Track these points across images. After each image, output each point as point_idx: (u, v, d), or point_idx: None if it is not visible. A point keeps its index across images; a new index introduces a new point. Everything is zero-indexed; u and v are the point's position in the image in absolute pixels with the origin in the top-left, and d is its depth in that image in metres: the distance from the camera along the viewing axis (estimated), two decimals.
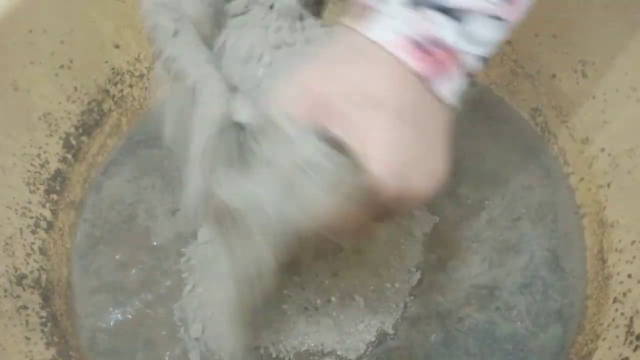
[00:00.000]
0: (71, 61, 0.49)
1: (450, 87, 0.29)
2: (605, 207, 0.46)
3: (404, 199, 0.29)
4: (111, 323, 0.45)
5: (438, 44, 0.27)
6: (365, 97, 0.27)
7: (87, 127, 0.52)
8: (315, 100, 0.28)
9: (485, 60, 0.29)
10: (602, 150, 0.46)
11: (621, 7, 0.43)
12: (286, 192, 0.27)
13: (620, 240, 0.43)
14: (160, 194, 0.51)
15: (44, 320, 0.43)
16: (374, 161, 0.27)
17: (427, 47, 0.27)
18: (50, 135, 0.49)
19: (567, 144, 0.50)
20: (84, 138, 0.51)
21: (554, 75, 0.50)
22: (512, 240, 0.47)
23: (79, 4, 0.49)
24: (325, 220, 0.28)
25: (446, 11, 0.27)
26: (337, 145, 0.27)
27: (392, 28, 0.27)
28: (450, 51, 0.28)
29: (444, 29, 0.27)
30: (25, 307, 0.43)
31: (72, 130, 0.50)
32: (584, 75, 0.48)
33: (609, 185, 0.46)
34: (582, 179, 0.49)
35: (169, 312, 0.45)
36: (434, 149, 0.29)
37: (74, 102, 0.50)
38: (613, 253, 0.44)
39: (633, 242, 0.42)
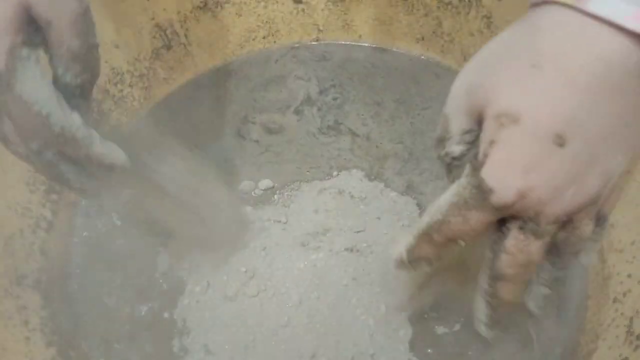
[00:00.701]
0: None
1: None
2: None
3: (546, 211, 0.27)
4: (111, 323, 0.45)
5: None
6: (508, 113, 0.25)
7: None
8: (477, 109, 0.27)
9: None
10: None
11: None
12: None
13: (620, 240, 0.43)
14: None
15: (43, 320, 0.43)
16: (496, 180, 0.27)
17: None
18: None
19: None
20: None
21: None
22: None
23: None
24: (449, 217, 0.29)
25: None
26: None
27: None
28: None
29: None
30: (25, 307, 0.43)
31: None
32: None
33: None
34: None
35: (170, 312, 0.45)
36: (582, 162, 0.26)
37: None
38: (613, 253, 0.43)
39: (633, 242, 0.42)
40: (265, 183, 0.51)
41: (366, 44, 0.60)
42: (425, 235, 0.31)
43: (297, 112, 0.56)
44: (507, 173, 0.26)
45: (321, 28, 0.60)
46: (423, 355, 0.42)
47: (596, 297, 0.44)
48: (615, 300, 0.41)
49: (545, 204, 0.26)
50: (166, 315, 0.45)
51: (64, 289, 0.47)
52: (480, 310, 0.34)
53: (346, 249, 0.46)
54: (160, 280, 0.46)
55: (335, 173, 0.51)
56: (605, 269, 0.44)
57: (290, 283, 0.45)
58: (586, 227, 0.28)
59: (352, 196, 0.49)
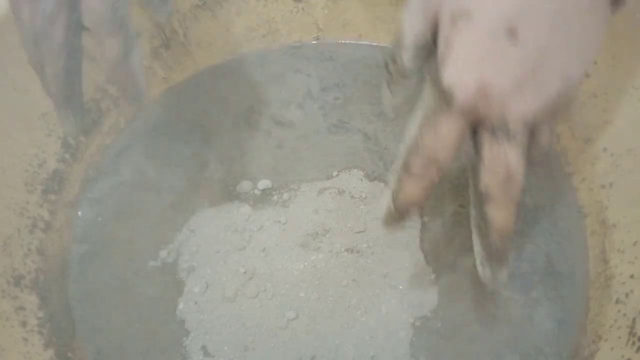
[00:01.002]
0: None
1: None
2: (607, 207, 0.45)
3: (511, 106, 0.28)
4: (110, 323, 0.45)
5: None
6: (460, 9, 0.26)
7: (86, 126, 0.51)
8: (432, 14, 0.28)
9: None
10: (604, 150, 0.46)
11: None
12: None
13: (622, 241, 0.43)
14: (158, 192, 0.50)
15: (41, 321, 0.43)
16: (454, 78, 0.27)
17: None
18: (49, 135, 0.49)
19: (569, 144, 0.50)
20: (82, 138, 0.51)
21: None
22: (513, 241, 0.47)
23: None
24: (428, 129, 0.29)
25: None
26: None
27: None
28: None
29: None
30: (22, 308, 0.42)
31: None
32: (586, 75, 0.47)
33: (610, 185, 0.45)
34: (583, 179, 0.48)
35: (168, 313, 0.45)
36: (536, 53, 0.27)
37: None
38: (615, 254, 0.43)
39: (635, 243, 0.41)
40: (264, 183, 0.50)
41: (366, 43, 0.59)
42: (406, 171, 0.31)
43: (299, 109, 0.55)
44: (464, 70, 0.27)
45: (321, 27, 0.60)
46: (424, 356, 0.42)
47: (598, 298, 0.43)
48: (617, 302, 0.41)
49: (508, 102, 0.27)
50: (164, 316, 0.45)
51: (61, 290, 0.46)
52: (476, 247, 0.33)
53: (346, 250, 0.46)
54: (159, 281, 0.46)
55: (335, 173, 0.51)
56: (607, 270, 0.44)
57: (289, 284, 0.44)
58: (547, 137, 0.30)
59: (352, 196, 0.49)
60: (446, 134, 0.28)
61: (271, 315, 0.43)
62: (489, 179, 0.30)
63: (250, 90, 0.57)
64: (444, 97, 0.27)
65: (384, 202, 0.33)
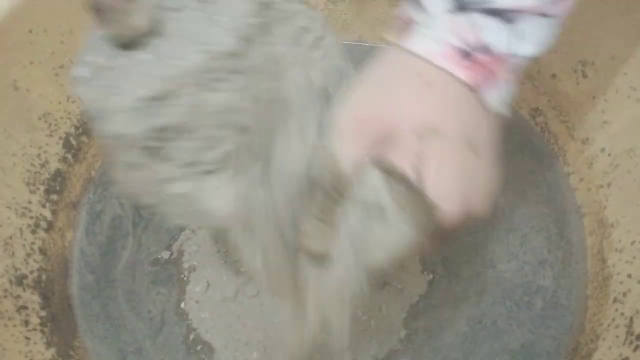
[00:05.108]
0: (71, 61, 0.49)
1: (499, 96, 0.27)
2: (605, 207, 0.46)
3: (465, 221, 0.28)
4: (111, 323, 0.45)
5: (487, 50, 0.26)
6: (425, 126, 0.26)
7: (87, 127, 0.51)
8: (377, 136, 0.27)
9: (535, 59, 0.28)
10: (602, 150, 0.46)
11: (622, 7, 0.43)
12: (367, 237, 0.27)
13: (620, 240, 0.43)
14: None
15: (43, 320, 0.43)
16: (442, 193, 0.26)
17: (476, 56, 0.26)
18: (50, 135, 0.49)
19: (567, 144, 0.50)
20: (83, 138, 0.51)
21: (554, 75, 0.50)
22: (512, 240, 0.47)
23: (79, 4, 0.49)
24: (400, 255, 0.28)
25: (495, 13, 0.26)
26: (404, 181, 0.27)
27: (435, 39, 0.26)
28: (499, 57, 0.26)
29: (493, 33, 0.26)
30: (25, 307, 0.43)
31: (72, 130, 0.50)
32: (584, 75, 0.48)
33: (609, 185, 0.46)
34: (582, 179, 0.49)
35: (172, 311, 0.45)
36: (490, 166, 0.28)
37: (73, 102, 0.50)
38: (613, 253, 0.43)
39: (633, 242, 0.42)
40: None
41: (366, 44, 0.59)
42: None
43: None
44: (448, 184, 0.27)
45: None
46: (421, 357, 0.42)
47: (596, 297, 0.44)
48: (615, 300, 0.41)
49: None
50: (166, 315, 0.45)
51: (63, 289, 0.46)
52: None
53: None
54: (161, 280, 0.46)
55: None
56: (605, 269, 0.44)
57: None
58: None
59: None
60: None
61: (271, 313, 0.43)
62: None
63: None
64: (424, 208, 0.27)
65: None
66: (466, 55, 0.26)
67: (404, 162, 0.27)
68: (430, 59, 0.26)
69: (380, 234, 0.27)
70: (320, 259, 0.28)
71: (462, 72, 0.26)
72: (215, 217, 0.29)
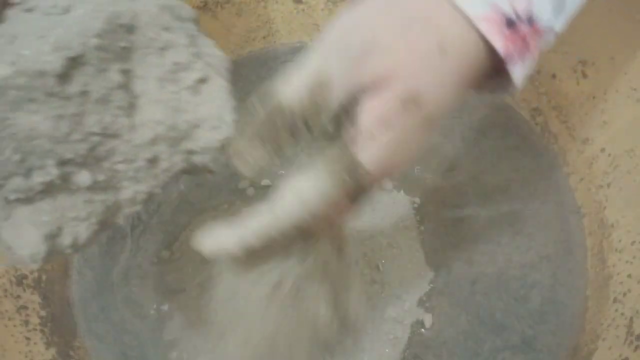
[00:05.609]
0: None
1: (522, 72, 0.26)
2: (605, 207, 0.46)
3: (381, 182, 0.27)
4: (111, 322, 0.45)
5: (532, 21, 0.24)
6: (411, 94, 0.24)
7: None
8: (359, 52, 0.25)
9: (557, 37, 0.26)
10: (602, 150, 0.46)
11: (622, 7, 0.43)
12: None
13: (620, 241, 0.43)
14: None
15: (43, 320, 0.43)
16: (379, 160, 0.25)
17: (519, 26, 0.24)
18: None
19: (567, 144, 0.50)
20: None
21: (554, 75, 0.50)
22: (512, 240, 0.47)
23: None
24: (319, 208, 0.26)
25: None
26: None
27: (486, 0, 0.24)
28: (539, 30, 0.25)
29: (543, 2, 0.24)
30: (25, 307, 0.43)
31: None
32: (584, 75, 0.48)
33: (609, 185, 0.46)
34: (582, 179, 0.49)
35: (169, 311, 0.45)
36: (428, 139, 0.27)
37: None
38: (613, 253, 0.43)
39: (633, 243, 0.42)
40: (265, 182, 0.51)
41: None
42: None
43: None
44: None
45: (321, 28, 0.60)
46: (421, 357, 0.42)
47: (596, 298, 0.44)
48: (615, 301, 0.41)
49: None
50: (166, 313, 0.45)
51: (63, 289, 0.47)
52: None
53: None
54: (160, 280, 0.46)
55: None
56: (605, 269, 0.44)
57: None
58: None
59: None
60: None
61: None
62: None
63: (250, 92, 0.57)
64: (352, 167, 0.26)
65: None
66: (510, 24, 0.24)
67: (370, 117, 0.25)
68: (471, 18, 0.24)
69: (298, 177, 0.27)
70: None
71: (501, 42, 0.24)
72: (15, 254, 0.25)
